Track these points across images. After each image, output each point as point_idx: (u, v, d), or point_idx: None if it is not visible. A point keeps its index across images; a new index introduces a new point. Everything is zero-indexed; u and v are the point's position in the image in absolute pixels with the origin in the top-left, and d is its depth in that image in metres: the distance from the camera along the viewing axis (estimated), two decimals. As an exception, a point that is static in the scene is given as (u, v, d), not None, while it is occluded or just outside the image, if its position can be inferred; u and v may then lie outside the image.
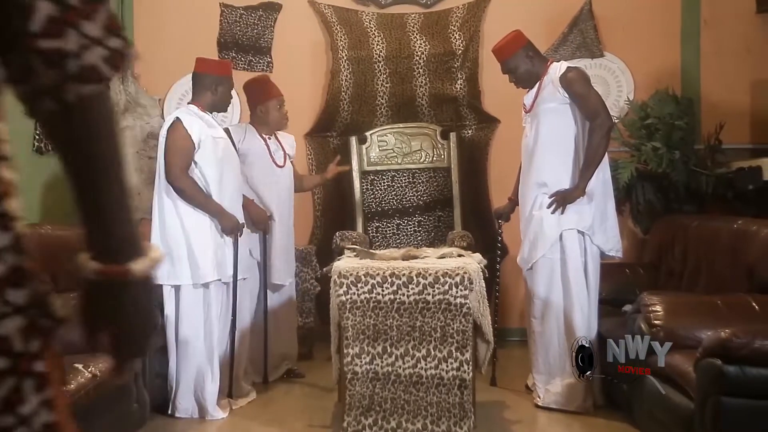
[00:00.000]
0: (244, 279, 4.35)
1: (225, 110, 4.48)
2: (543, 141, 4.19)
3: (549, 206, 4.14)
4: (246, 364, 4.49)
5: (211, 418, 4.07)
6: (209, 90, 4.26)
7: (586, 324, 4.09)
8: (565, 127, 4.17)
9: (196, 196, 4.04)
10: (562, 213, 4.12)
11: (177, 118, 4.10)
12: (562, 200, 4.11)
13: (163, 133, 4.12)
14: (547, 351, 4.17)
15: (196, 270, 4.04)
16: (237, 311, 4.24)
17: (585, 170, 4.10)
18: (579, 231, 4.13)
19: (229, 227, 4.12)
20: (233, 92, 4.57)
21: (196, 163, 4.08)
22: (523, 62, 4.26)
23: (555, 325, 4.14)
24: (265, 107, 4.74)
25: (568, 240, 4.13)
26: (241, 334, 4.33)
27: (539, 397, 4.20)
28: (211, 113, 4.32)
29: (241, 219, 4.26)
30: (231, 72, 4.44)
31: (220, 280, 4.12)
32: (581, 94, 4.13)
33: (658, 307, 3.59)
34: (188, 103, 4.33)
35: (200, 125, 4.11)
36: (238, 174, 4.39)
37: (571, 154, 4.17)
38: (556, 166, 4.17)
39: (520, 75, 4.29)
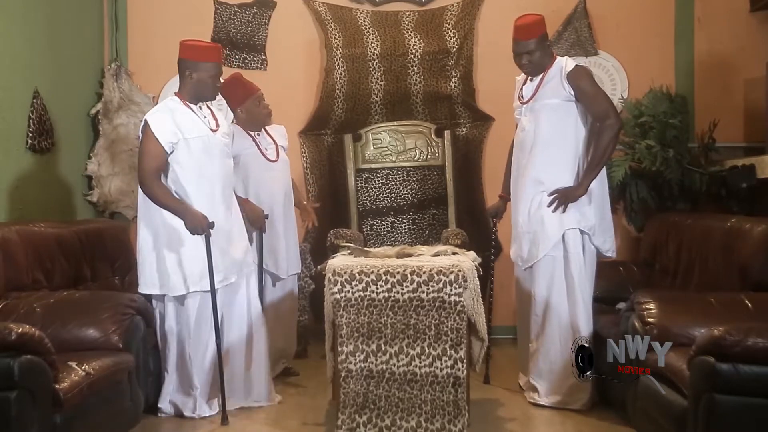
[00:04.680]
0: (229, 283, 4.13)
1: (210, 98, 4.16)
2: (543, 137, 4.15)
3: (550, 204, 4.11)
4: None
5: (190, 416, 4.03)
6: (185, 78, 4.06)
7: (586, 322, 4.09)
8: (566, 124, 4.14)
9: (162, 199, 3.91)
10: (564, 212, 4.10)
11: (146, 120, 3.95)
12: (563, 198, 4.09)
13: (138, 134, 4.06)
14: (548, 350, 4.14)
15: (166, 281, 3.99)
16: (227, 315, 4.14)
17: (591, 169, 4.08)
18: (581, 230, 4.13)
19: (193, 226, 3.87)
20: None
21: (170, 165, 3.96)
22: (539, 48, 4.17)
23: (557, 324, 4.12)
24: (244, 108, 4.69)
25: (570, 239, 4.12)
26: (231, 338, 4.19)
27: (539, 396, 4.18)
28: (198, 103, 4.10)
29: (231, 217, 4.14)
30: (207, 57, 4.05)
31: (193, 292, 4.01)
32: (590, 93, 4.10)
33: (651, 305, 3.60)
34: (174, 93, 4.14)
35: (172, 126, 3.94)
36: (222, 172, 4.12)
37: (572, 152, 4.15)
38: (556, 163, 4.14)
39: (535, 61, 4.17)
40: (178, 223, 3.92)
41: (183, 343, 4.06)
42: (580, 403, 4.09)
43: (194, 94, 4.07)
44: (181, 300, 4.04)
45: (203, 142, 4.03)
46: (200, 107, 4.12)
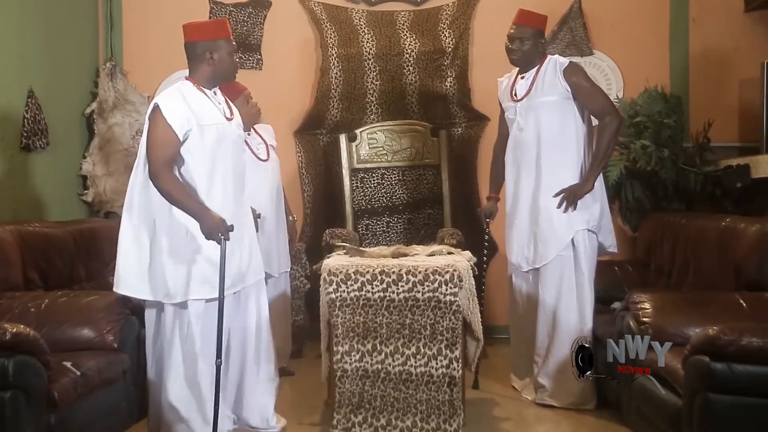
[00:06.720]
0: (236, 292, 3.69)
1: (232, 78, 3.77)
2: (547, 138, 4.15)
3: (560, 205, 4.11)
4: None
5: None
6: (203, 60, 3.58)
7: (590, 320, 4.10)
8: (568, 123, 4.15)
9: (178, 196, 3.41)
10: (574, 209, 4.10)
11: (156, 104, 3.47)
12: (572, 196, 4.09)
13: (145, 120, 3.57)
14: (559, 350, 4.11)
15: (164, 286, 3.49)
16: (232, 329, 3.73)
17: (595, 165, 4.11)
18: (589, 229, 4.13)
19: (209, 229, 3.37)
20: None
21: (183, 157, 3.50)
22: (533, 40, 4.20)
23: (566, 324, 4.11)
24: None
25: (580, 239, 4.12)
26: (236, 355, 3.85)
27: (548, 397, 4.16)
28: (213, 87, 3.67)
29: (241, 217, 3.68)
30: (228, 32, 3.66)
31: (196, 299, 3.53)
32: (587, 89, 4.13)
33: (646, 305, 3.61)
34: (185, 78, 3.66)
35: (186, 112, 3.48)
36: (235, 166, 3.68)
37: (575, 150, 4.16)
38: (562, 163, 4.15)
39: (525, 50, 4.20)
40: (184, 219, 3.46)
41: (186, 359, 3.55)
42: (591, 404, 4.08)
43: (212, 76, 3.63)
44: (182, 307, 3.53)
45: (218, 131, 3.58)
46: (214, 92, 3.69)
